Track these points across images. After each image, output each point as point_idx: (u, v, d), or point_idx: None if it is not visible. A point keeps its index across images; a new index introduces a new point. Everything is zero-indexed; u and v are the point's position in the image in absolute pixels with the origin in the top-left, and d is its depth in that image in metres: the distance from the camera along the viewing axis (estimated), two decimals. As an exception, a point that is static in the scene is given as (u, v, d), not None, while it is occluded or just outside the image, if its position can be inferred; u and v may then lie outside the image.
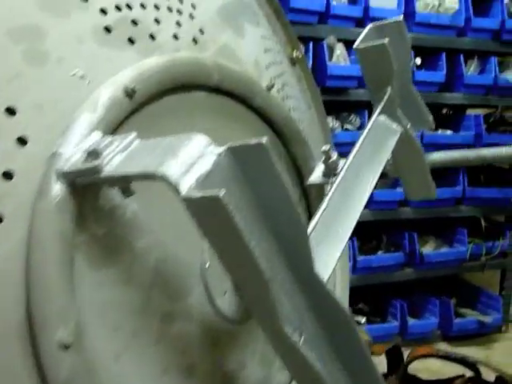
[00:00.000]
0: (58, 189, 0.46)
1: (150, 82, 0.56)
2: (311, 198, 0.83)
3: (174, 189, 0.38)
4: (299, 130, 0.80)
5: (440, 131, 2.66)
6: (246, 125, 0.73)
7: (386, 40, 0.59)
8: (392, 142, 0.64)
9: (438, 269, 2.63)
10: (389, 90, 0.62)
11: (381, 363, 1.91)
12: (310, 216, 0.82)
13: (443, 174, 2.52)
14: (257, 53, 0.83)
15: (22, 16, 0.50)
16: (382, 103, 0.62)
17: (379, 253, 2.54)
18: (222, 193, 0.34)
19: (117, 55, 0.57)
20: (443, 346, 2.63)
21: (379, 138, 0.64)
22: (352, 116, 2.39)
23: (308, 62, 2.24)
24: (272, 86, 0.74)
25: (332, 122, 2.30)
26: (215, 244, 0.39)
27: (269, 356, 0.66)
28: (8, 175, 0.46)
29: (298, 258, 0.45)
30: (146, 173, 0.40)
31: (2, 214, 0.45)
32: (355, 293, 2.52)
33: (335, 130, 2.29)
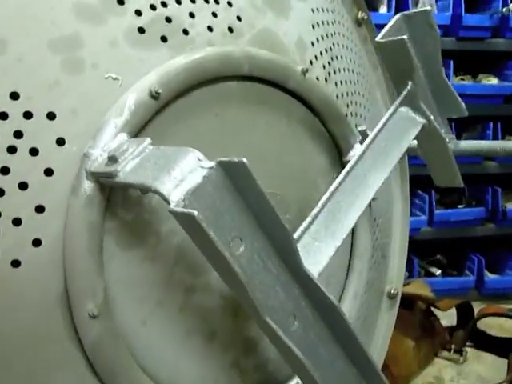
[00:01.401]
0: (87, 186, 0.54)
1: (176, 81, 0.61)
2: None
3: (167, 201, 0.45)
4: (338, 109, 0.82)
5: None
6: (281, 107, 0.76)
7: (406, 36, 0.60)
8: (413, 133, 0.65)
9: (522, 226, 2.54)
10: (409, 84, 0.63)
11: (450, 317, 1.93)
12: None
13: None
14: (302, 31, 0.83)
15: (61, 27, 0.57)
16: (401, 97, 0.63)
17: (460, 207, 2.49)
18: (195, 212, 0.40)
19: (149, 55, 0.62)
20: (523, 304, 2.57)
21: (399, 128, 0.65)
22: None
23: (391, 9, 2.16)
24: (307, 71, 0.76)
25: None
26: (200, 248, 0.45)
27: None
28: (49, 172, 0.55)
29: (288, 256, 0.51)
30: (144, 186, 0.46)
31: (44, 206, 0.54)
32: (432, 245, 2.51)
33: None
